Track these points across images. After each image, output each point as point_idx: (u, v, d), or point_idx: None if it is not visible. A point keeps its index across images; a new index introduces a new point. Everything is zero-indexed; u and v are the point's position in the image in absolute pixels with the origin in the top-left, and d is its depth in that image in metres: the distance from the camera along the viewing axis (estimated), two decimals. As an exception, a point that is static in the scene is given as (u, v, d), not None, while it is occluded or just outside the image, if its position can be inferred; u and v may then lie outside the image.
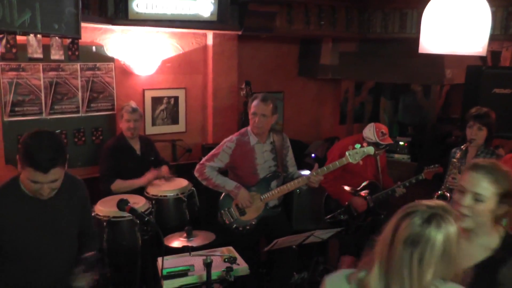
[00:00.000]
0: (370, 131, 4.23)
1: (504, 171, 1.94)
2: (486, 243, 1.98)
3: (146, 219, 2.67)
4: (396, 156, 6.17)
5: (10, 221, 2.31)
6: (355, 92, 7.14)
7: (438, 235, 1.50)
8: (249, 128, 3.89)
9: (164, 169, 4.48)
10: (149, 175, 4.30)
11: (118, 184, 4.17)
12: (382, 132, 4.20)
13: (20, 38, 3.33)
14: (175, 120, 5.39)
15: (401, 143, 6.22)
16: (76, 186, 2.59)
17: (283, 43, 6.28)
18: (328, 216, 4.37)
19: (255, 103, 3.77)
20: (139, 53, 4.98)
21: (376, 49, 6.12)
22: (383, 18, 5.36)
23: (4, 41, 3.26)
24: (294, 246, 3.50)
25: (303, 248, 3.61)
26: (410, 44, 4.94)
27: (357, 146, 3.66)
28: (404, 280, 1.51)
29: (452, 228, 1.53)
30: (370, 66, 6.18)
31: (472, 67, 5.13)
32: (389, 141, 4.24)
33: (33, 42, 3.37)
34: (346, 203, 4.25)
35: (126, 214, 3.43)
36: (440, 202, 1.60)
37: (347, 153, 3.65)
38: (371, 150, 3.68)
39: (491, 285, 1.94)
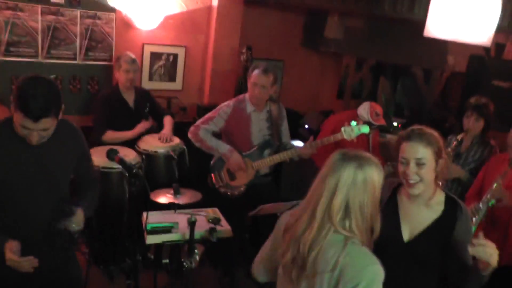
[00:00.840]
0: (364, 110, 4.23)
1: (430, 132, 2.17)
2: (433, 205, 2.20)
3: (134, 171, 2.67)
4: (389, 136, 6.15)
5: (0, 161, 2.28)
6: (356, 68, 7.09)
7: (352, 169, 1.74)
8: (246, 95, 3.86)
9: (166, 129, 4.39)
10: (139, 128, 4.26)
11: (109, 134, 4.17)
12: (376, 113, 4.21)
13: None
14: (172, 78, 5.34)
15: (395, 124, 6.18)
16: (72, 133, 2.54)
17: (289, 11, 6.18)
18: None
19: (255, 73, 3.72)
20: (142, 6, 4.87)
21: (382, 28, 6.03)
22: (392, -4, 5.26)
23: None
24: (279, 214, 3.53)
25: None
26: (416, 26, 4.87)
27: (353, 123, 3.67)
28: (315, 202, 1.76)
29: (370, 171, 1.76)
30: (374, 44, 6.11)
31: (475, 57, 5.10)
32: (382, 122, 4.25)
33: (34, -17, 3.31)
34: None
35: (116, 165, 3.45)
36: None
37: (342, 129, 3.65)
38: (366, 129, 3.68)
39: (445, 242, 2.14)
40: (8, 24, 4.28)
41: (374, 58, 6.92)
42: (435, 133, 2.18)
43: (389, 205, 2.24)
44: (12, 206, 2.35)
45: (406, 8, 5.20)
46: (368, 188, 1.75)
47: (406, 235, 2.19)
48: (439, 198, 2.22)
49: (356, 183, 1.73)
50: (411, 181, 2.13)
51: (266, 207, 3.33)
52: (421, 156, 2.11)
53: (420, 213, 2.20)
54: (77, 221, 2.37)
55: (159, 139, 4.23)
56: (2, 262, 2.19)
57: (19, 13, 4.29)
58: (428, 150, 2.11)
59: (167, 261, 3.29)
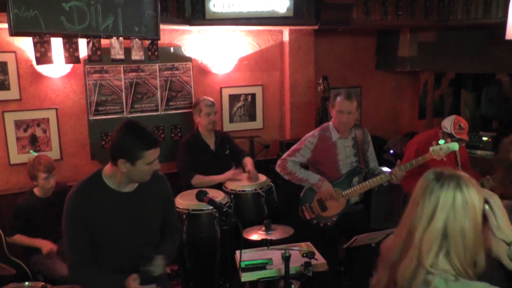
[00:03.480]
0: (448, 121, 4.15)
1: None
2: None
3: (224, 209, 2.71)
4: (479, 152, 5.80)
5: (94, 213, 2.41)
6: (435, 84, 6.84)
7: (448, 191, 1.57)
8: (330, 123, 3.86)
9: (250, 166, 4.43)
10: (229, 173, 4.34)
11: (198, 178, 4.28)
12: (459, 126, 4.07)
13: (103, 42, 3.51)
14: (252, 117, 5.46)
15: (485, 138, 5.83)
16: (158, 180, 2.66)
17: (360, 36, 6.16)
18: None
19: (339, 100, 3.73)
20: (216, 52, 5.08)
21: (457, 37, 5.78)
22: (464, 3, 5.03)
23: (90, 44, 3.45)
24: (373, 244, 3.43)
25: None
26: (495, 30, 4.65)
27: (441, 142, 3.56)
28: (413, 228, 1.62)
29: (470, 192, 1.57)
30: (450, 56, 5.86)
31: None
32: (464, 136, 4.09)
33: (115, 45, 3.55)
34: None
35: (205, 206, 3.54)
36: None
37: (431, 149, 3.55)
38: (455, 146, 3.57)
39: None
40: (97, 86, 4.61)
41: (453, 71, 6.64)
42: None
43: None
44: (108, 251, 2.49)
45: (482, 13, 4.97)
46: (469, 213, 1.56)
47: None
48: None
49: (456, 207, 1.56)
50: None
51: (361, 238, 3.24)
52: None
53: None
54: (157, 265, 2.44)
55: (248, 178, 4.30)
56: None
57: (105, 75, 4.63)
58: None
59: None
